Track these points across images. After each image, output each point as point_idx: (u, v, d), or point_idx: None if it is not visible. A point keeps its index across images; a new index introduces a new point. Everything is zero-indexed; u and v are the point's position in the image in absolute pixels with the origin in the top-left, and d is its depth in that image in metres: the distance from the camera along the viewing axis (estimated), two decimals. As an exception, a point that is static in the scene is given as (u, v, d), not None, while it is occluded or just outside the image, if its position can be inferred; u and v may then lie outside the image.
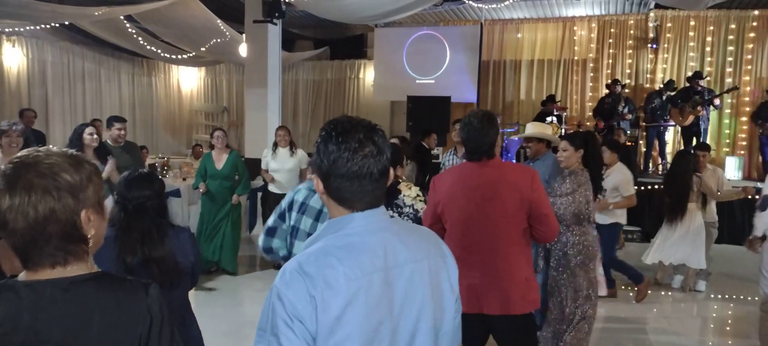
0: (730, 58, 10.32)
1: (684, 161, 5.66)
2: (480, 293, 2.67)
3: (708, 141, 9.44)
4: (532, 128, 4.74)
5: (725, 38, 10.34)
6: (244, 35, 9.16)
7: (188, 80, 14.43)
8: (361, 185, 1.32)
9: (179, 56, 11.43)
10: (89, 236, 1.21)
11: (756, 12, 10.08)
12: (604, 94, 10.17)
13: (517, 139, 10.26)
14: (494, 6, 9.86)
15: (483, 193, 2.73)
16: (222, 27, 9.25)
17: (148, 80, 13.91)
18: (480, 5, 9.90)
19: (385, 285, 1.31)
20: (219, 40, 9.76)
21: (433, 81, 11.06)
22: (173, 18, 8.84)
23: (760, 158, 9.31)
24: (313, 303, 1.22)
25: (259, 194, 7.44)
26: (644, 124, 9.90)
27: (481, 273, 2.69)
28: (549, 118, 9.55)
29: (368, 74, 12.56)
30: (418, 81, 11.16)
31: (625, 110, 9.62)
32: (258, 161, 6.70)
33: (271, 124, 8.77)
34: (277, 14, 8.58)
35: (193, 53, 11.13)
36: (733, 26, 10.28)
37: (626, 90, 10.27)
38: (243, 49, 9.19)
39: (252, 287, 5.88)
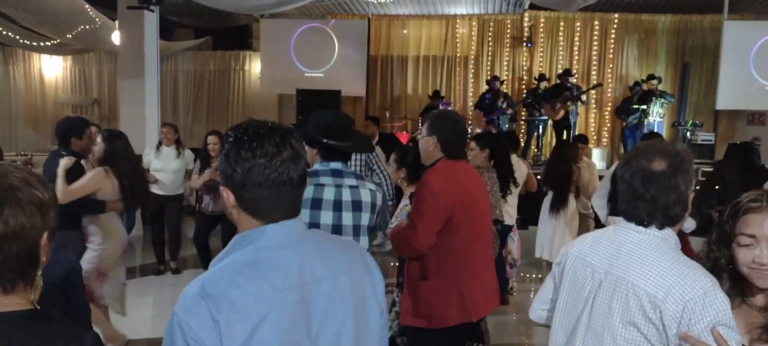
0: (594, 57, 11.24)
1: (564, 153, 5.75)
2: (484, 299, 2.71)
3: (574, 132, 10.24)
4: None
5: (590, 38, 11.24)
6: (116, 22, 8.50)
7: (52, 70, 13.15)
8: (280, 192, 1.21)
9: (41, 43, 10.39)
10: (42, 262, 1.08)
11: (616, 15, 11.05)
12: (484, 90, 10.66)
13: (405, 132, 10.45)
14: (381, 1, 9.98)
15: (477, 194, 2.75)
16: (91, 13, 8.52)
17: (4, 69, 12.53)
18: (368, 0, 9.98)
19: (301, 303, 1.20)
20: (88, 27, 8.98)
21: (322, 74, 10.98)
22: (34, 1, 8.00)
23: (622, 149, 10.25)
24: (217, 328, 1.09)
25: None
26: (522, 118, 10.52)
27: (482, 282, 2.72)
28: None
29: (254, 66, 12.20)
30: (306, 74, 11.02)
31: (504, 105, 10.15)
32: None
33: (150, 119, 8.22)
34: (154, 0, 8.05)
35: (58, 40, 10.16)
36: (597, 27, 11.19)
37: (504, 86, 10.84)
38: (116, 37, 8.53)
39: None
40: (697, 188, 6.36)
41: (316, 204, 2.42)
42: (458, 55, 11.66)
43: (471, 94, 11.59)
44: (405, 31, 11.78)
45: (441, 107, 10.08)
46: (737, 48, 9.44)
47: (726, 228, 1.53)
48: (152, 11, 8.26)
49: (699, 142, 9.58)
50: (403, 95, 11.92)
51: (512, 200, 5.05)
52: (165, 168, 5.92)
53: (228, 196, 1.24)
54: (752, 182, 4.14)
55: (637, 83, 10.10)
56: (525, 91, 11.25)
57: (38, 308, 1.10)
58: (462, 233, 2.62)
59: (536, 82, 10.44)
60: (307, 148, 2.42)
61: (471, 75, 11.66)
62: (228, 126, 11.68)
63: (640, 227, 1.54)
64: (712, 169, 7.72)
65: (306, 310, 1.21)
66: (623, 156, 1.36)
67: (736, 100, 9.81)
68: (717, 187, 5.40)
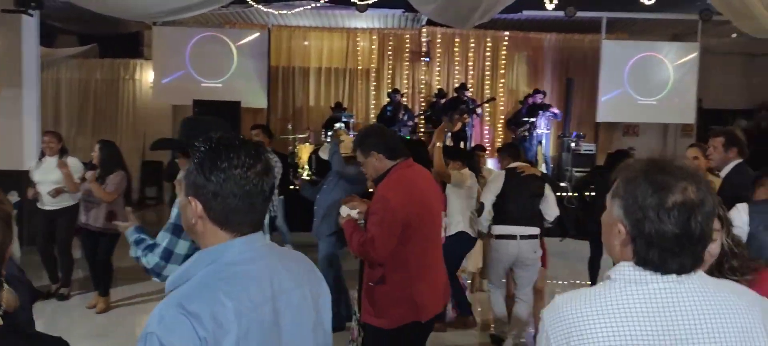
0: (487, 72, 11.81)
1: (472, 163, 5.73)
2: (433, 301, 2.87)
3: (471, 143, 10.70)
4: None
5: (483, 54, 11.80)
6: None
7: None
8: (252, 205, 1.22)
9: None
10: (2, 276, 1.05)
11: (507, 33, 11.69)
12: (386, 103, 10.85)
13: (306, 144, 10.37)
14: (282, 12, 9.86)
15: (432, 199, 2.87)
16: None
17: None
18: (268, 10, 9.81)
19: (274, 315, 1.21)
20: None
21: (220, 85, 10.63)
22: None
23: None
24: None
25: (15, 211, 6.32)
26: (422, 130, 10.82)
27: (433, 284, 2.88)
28: (338, 125, 9.87)
29: (146, 75, 11.57)
30: (203, 84, 10.62)
31: (405, 118, 10.39)
32: (12, 173, 5.71)
33: (28, 130, 7.58)
34: (33, 4, 7.43)
35: None
36: (489, 44, 11.77)
37: (405, 99, 11.11)
38: (-11, 42, 7.75)
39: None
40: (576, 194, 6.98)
41: None
42: (360, 67, 11.78)
43: (373, 107, 11.74)
44: (306, 43, 11.73)
45: (344, 120, 10.14)
46: (614, 65, 10.32)
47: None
48: (31, 15, 7.63)
49: (582, 152, 10.34)
50: (305, 107, 11.83)
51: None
52: (44, 179, 5.46)
53: (195, 206, 1.22)
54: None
55: (526, 97, 10.75)
56: (423, 104, 11.60)
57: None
58: (415, 239, 2.75)
59: (436, 97, 10.80)
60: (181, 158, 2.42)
61: (373, 88, 11.82)
62: (117, 138, 10.93)
63: (683, 276, 1.20)
64: (586, 173, 8.48)
65: (278, 321, 1.22)
66: (628, 185, 1.23)
67: (613, 113, 10.70)
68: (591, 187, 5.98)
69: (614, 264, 1.27)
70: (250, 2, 8.53)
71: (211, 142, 1.23)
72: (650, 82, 10.30)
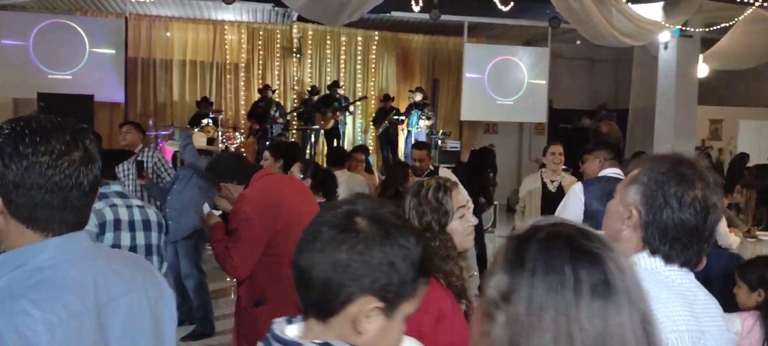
0: (359, 70, 11.97)
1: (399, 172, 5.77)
2: None
3: (345, 143, 10.81)
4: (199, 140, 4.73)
5: (355, 52, 11.95)
6: None
7: None
8: (65, 200, 1.04)
9: None
10: None
11: (377, 33, 11.92)
12: (257, 99, 10.59)
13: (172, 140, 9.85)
14: (141, 0, 9.25)
15: (303, 206, 2.67)
16: None
17: None
18: (124, -3, 9.16)
19: (98, 327, 1.05)
20: None
21: (70, 77, 9.70)
22: None
23: (380, 156, 11.11)
24: None
25: None
26: (296, 127, 10.73)
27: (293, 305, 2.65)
28: (205, 121, 9.47)
29: (-21, 65, 10.26)
30: (50, 76, 9.64)
31: (277, 114, 10.22)
32: None
33: None
34: None
35: None
36: (360, 43, 11.94)
37: (277, 95, 10.91)
38: None
39: None
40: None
41: (117, 225, 2.37)
42: (228, 62, 11.38)
43: (243, 102, 11.40)
44: (168, 34, 11.08)
45: (211, 116, 9.75)
46: (475, 67, 10.93)
47: None
48: None
49: (448, 149, 10.86)
50: (168, 102, 11.18)
51: None
52: None
53: None
54: (479, 181, 4.88)
55: (387, 96, 11.06)
56: (295, 101, 11.49)
57: None
58: (292, 250, 2.57)
59: (309, 93, 10.74)
60: None
61: (242, 83, 11.47)
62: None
63: (685, 270, 1.27)
64: (452, 169, 8.94)
65: (104, 333, 1.07)
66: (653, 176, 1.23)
67: (475, 112, 11.34)
68: None
69: None
70: (104, -12, 7.90)
71: (17, 123, 1.04)
72: (507, 84, 11.05)
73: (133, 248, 2.45)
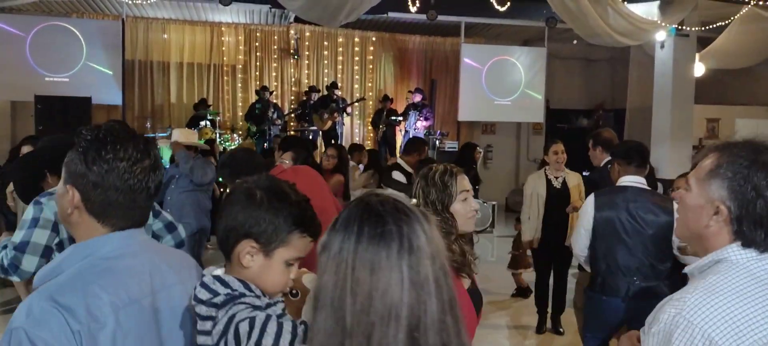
0: (357, 71, 11.97)
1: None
2: None
3: (342, 142, 10.81)
4: (178, 135, 4.78)
5: (352, 53, 11.95)
6: None
7: None
8: (134, 200, 1.18)
9: None
10: None
11: (374, 34, 11.93)
12: (254, 100, 10.60)
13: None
14: (138, 2, 9.24)
15: (327, 199, 3.00)
16: None
17: None
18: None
19: (153, 311, 1.19)
20: None
21: (67, 79, 9.70)
22: None
23: (379, 157, 11.11)
24: (79, 340, 1.04)
25: None
26: (294, 128, 10.73)
27: None
28: (203, 122, 9.47)
29: (-24, 68, 10.25)
30: (47, 79, 9.63)
31: (275, 116, 10.22)
32: None
33: None
34: None
35: None
36: (357, 44, 11.95)
37: (274, 96, 10.92)
38: None
39: None
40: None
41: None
42: (226, 63, 11.38)
43: (240, 104, 11.41)
44: (165, 36, 11.07)
45: (210, 118, 9.76)
46: (472, 68, 10.95)
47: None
48: None
49: (446, 149, 10.86)
50: (166, 104, 11.17)
51: None
52: None
53: (73, 195, 1.17)
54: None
55: (386, 96, 11.06)
56: (293, 102, 11.49)
57: None
58: None
59: (307, 93, 10.74)
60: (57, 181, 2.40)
61: (240, 85, 11.48)
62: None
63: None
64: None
65: (156, 318, 1.21)
66: (741, 162, 1.24)
67: (473, 113, 11.35)
68: None
69: (685, 249, 1.32)
70: (101, -10, 7.90)
71: (99, 131, 1.18)
72: (504, 84, 11.07)
73: None
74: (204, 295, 1.25)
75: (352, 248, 0.94)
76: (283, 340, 1.20)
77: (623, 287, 3.11)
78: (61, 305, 1.05)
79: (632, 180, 3.23)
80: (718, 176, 1.25)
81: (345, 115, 10.74)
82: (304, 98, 10.82)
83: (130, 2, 9.33)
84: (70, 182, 1.18)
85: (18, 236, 2.25)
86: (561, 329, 5.04)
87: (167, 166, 5.20)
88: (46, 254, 2.27)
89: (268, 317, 1.24)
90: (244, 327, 1.20)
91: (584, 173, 5.03)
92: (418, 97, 10.81)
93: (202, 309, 1.24)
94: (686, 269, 1.33)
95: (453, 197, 1.91)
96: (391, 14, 10.09)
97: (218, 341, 1.21)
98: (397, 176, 4.57)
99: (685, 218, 1.33)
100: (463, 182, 1.95)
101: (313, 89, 10.76)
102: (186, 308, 1.28)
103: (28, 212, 2.28)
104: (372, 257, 0.93)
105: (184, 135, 4.89)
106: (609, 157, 4.18)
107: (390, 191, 4.34)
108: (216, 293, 1.26)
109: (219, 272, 1.31)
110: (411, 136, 9.75)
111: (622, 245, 3.11)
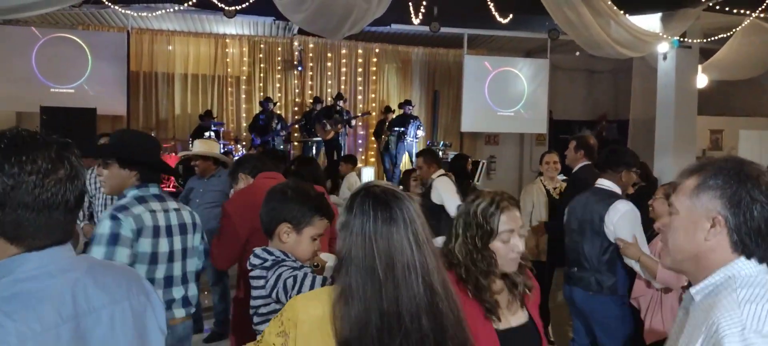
0: (360, 82, 12.02)
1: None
2: None
3: (345, 152, 10.87)
4: (199, 146, 4.79)
5: (355, 65, 12.01)
6: None
7: None
8: (50, 217, 1.03)
9: None
10: None
11: (377, 46, 11.99)
12: (258, 111, 10.64)
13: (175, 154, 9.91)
14: (143, 14, 9.31)
15: None
16: None
17: None
18: (126, 11, 9.21)
19: (77, 339, 1.04)
20: None
21: (72, 90, 9.78)
22: None
23: (383, 169, 11.13)
24: None
25: None
26: (298, 138, 10.77)
27: None
28: (207, 134, 9.52)
29: (-18, 79, 10.33)
30: (53, 90, 9.72)
31: (279, 127, 10.26)
32: None
33: None
34: None
35: None
36: (361, 55, 12.00)
37: (278, 108, 10.96)
38: None
39: None
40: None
41: (156, 232, 2.34)
42: (230, 75, 11.44)
43: (244, 115, 11.46)
44: (170, 48, 11.16)
45: (213, 128, 9.80)
46: (475, 79, 10.98)
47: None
48: None
49: (448, 160, 10.84)
50: (170, 115, 11.24)
51: None
52: None
53: None
54: (460, 185, 5.04)
55: (387, 108, 11.09)
56: (296, 114, 11.53)
57: None
58: None
59: (311, 105, 10.78)
60: (116, 170, 2.36)
61: (244, 96, 11.53)
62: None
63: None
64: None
65: (82, 343, 1.06)
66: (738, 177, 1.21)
67: (476, 124, 11.36)
68: None
69: (672, 263, 1.28)
70: (106, 2, 7.95)
71: (1, 140, 1.02)
72: (507, 95, 11.09)
73: (170, 253, 2.41)
74: (256, 261, 1.94)
75: (371, 228, 1.36)
76: (315, 286, 1.81)
77: None
78: None
79: (604, 183, 3.46)
80: (708, 189, 1.22)
81: (348, 126, 10.76)
82: (308, 109, 10.86)
83: (135, 15, 9.40)
84: None
85: (98, 254, 2.22)
86: (552, 340, 5.02)
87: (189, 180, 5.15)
88: None
89: (305, 275, 1.87)
90: (289, 282, 1.85)
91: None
92: (409, 109, 10.83)
93: (255, 272, 1.93)
94: (692, 290, 1.25)
95: (493, 234, 1.76)
96: (394, 26, 10.14)
97: (271, 292, 1.87)
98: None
99: (677, 241, 1.27)
100: (511, 218, 1.78)
101: (317, 100, 10.79)
102: (120, 332, 1.14)
103: (106, 226, 2.23)
104: (387, 233, 1.36)
105: (205, 147, 4.90)
106: (586, 162, 4.37)
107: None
108: (265, 259, 1.94)
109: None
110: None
111: None
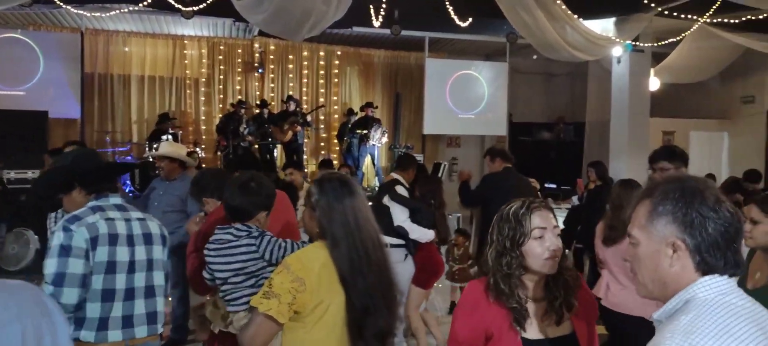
0: (322, 85, 11.98)
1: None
2: None
3: (306, 156, 10.84)
4: (167, 147, 4.76)
5: (317, 67, 11.96)
6: None
7: None
8: None
9: None
10: None
11: (339, 48, 11.97)
12: (230, 111, 10.47)
13: (130, 157, 9.73)
14: (97, 15, 9.06)
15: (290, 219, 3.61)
16: None
17: None
18: (79, 12, 8.95)
19: None
20: None
21: (23, 93, 9.45)
22: None
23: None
24: None
25: None
26: (258, 142, 10.63)
27: None
28: (165, 137, 9.32)
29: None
30: (2, 92, 9.37)
31: (246, 132, 10.06)
32: None
33: None
34: None
35: None
36: (322, 58, 11.96)
37: (244, 111, 10.81)
38: None
39: None
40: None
41: (113, 240, 2.30)
42: (188, 77, 11.24)
43: (203, 118, 11.27)
44: (126, 49, 10.89)
45: (171, 132, 9.60)
46: (436, 82, 11.07)
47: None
48: None
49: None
50: (126, 118, 10.97)
51: None
52: None
53: None
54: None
55: (350, 110, 11.08)
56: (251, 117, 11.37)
57: None
58: None
59: (258, 108, 10.63)
60: (69, 197, 2.45)
61: (203, 98, 11.35)
62: None
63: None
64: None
65: None
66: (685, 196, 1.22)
67: (437, 126, 11.45)
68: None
69: (647, 293, 1.27)
70: (59, 3, 7.72)
71: None
72: (468, 98, 11.22)
73: (131, 263, 2.36)
74: (240, 233, 2.56)
75: (341, 198, 2.00)
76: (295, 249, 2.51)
77: None
78: None
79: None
80: (660, 216, 1.23)
81: (307, 126, 10.68)
82: (257, 112, 10.63)
83: (89, 15, 9.15)
84: None
85: (51, 267, 2.18)
86: None
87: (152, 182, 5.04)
88: (85, 283, 2.22)
89: (285, 241, 2.60)
90: (281, 244, 2.56)
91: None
92: (371, 111, 10.83)
93: (243, 240, 2.55)
94: (654, 316, 1.27)
95: (527, 234, 1.78)
96: (356, 29, 10.13)
97: (263, 253, 2.54)
98: (400, 190, 4.68)
99: (644, 271, 1.28)
100: (539, 217, 1.80)
101: (263, 104, 10.64)
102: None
103: (57, 237, 2.21)
104: (350, 200, 2.02)
105: (172, 149, 4.83)
106: (508, 164, 5.12)
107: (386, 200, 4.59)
108: (249, 231, 2.56)
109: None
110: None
111: None
